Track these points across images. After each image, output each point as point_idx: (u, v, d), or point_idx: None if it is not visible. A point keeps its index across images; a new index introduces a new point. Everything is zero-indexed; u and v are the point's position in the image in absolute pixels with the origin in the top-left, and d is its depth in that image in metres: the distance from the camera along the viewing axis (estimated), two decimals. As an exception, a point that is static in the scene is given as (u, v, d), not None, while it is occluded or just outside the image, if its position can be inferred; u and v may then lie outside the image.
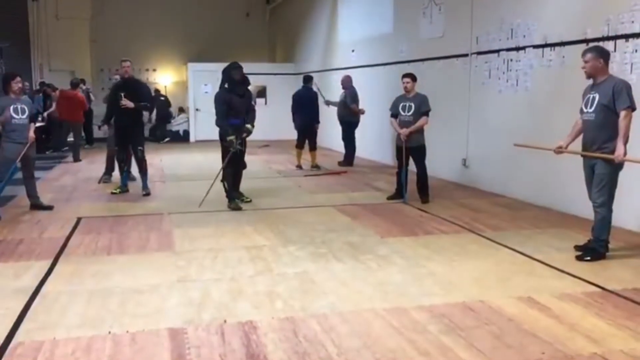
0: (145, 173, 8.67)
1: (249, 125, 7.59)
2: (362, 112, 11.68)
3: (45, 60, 17.62)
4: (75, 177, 10.52)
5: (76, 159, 12.89)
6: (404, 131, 7.71)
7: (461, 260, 5.25)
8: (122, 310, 4.05)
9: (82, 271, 4.93)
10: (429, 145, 7.98)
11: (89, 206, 7.80)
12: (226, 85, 7.54)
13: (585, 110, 5.25)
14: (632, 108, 5.01)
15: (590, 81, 5.29)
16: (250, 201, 7.89)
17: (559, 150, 5.58)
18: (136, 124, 8.64)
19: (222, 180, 7.71)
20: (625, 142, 5.01)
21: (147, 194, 8.50)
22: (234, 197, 7.69)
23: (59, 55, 17.55)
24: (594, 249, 5.22)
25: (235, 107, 7.44)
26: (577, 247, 5.47)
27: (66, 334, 3.64)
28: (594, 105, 5.14)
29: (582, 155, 5.37)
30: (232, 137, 7.36)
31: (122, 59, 8.69)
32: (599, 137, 5.13)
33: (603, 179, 5.13)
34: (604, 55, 5.20)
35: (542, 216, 7.00)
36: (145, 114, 9.45)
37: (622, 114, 4.98)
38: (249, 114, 7.67)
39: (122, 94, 8.33)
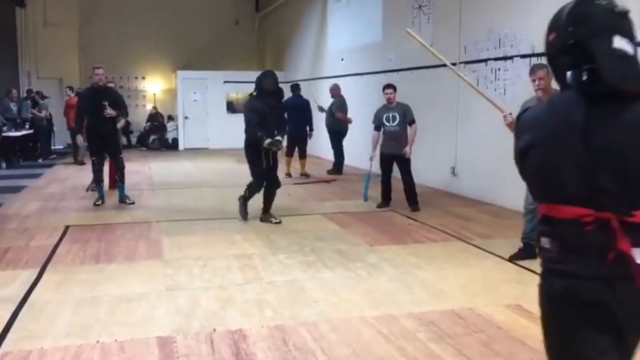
0: (124, 181, 8.53)
1: (279, 137, 6.90)
2: (350, 121, 11.70)
3: (33, 68, 17.54)
4: (63, 185, 10.45)
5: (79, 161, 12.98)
6: (407, 152, 7.72)
7: (450, 268, 5.27)
8: (110, 318, 4.03)
9: (70, 280, 4.90)
10: (417, 153, 8.02)
11: (77, 214, 7.75)
12: (254, 94, 6.97)
13: None
14: None
15: (526, 95, 5.44)
16: (280, 222, 7.06)
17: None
18: (115, 132, 8.54)
19: (244, 191, 7.14)
20: None
21: (133, 203, 8.40)
22: (246, 202, 7.14)
23: (47, 62, 17.48)
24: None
25: (266, 117, 6.76)
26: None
27: (54, 343, 3.61)
28: None
29: None
30: (268, 140, 6.68)
31: (95, 65, 8.33)
32: None
33: None
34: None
35: (530, 224, 7.04)
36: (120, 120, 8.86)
37: None
38: (280, 127, 7.10)
39: (106, 103, 8.10)
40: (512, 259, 5.50)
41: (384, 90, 8.02)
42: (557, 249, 1.77)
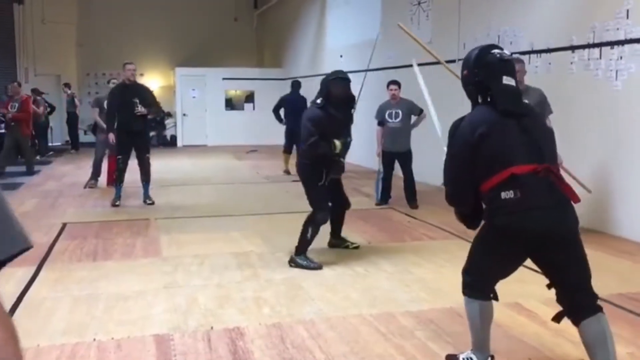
0: (149, 181, 8.26)
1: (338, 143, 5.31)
2: None
3: (31, 64, 17.49)
4: (60, 182, 10.42)
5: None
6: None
7: (450, 267, 5.24)
8: (107, 316, 4.01)
9: (66, 277, 4.88)
10: (416, 150, 8.00)
11: (74, 212, 7.73)
12: (319, 101, 5.29)
13: None
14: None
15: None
16: (358, 247, 5.81)
17: None
18: (146, 130, 8.34)
19: (305, 224, 5.34)
20: None
21: (152, 203, 8.14)
22: (305, 252, 5.24)
23: (44, 59, 17.43)
24: None
25: (332, 132, 5.26)
26: None
27: (50, 341, 3.59)
28: None
29: None
30: (338, 147, 5.25)
31: (126, 62, 8.17)
32: None
33: None
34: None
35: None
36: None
37: (549, 120, 5.56)
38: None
39: (137, 101, 7.86)
40: None
41: (388, 86, 7.99)
42: (519, 193, 2.73)
